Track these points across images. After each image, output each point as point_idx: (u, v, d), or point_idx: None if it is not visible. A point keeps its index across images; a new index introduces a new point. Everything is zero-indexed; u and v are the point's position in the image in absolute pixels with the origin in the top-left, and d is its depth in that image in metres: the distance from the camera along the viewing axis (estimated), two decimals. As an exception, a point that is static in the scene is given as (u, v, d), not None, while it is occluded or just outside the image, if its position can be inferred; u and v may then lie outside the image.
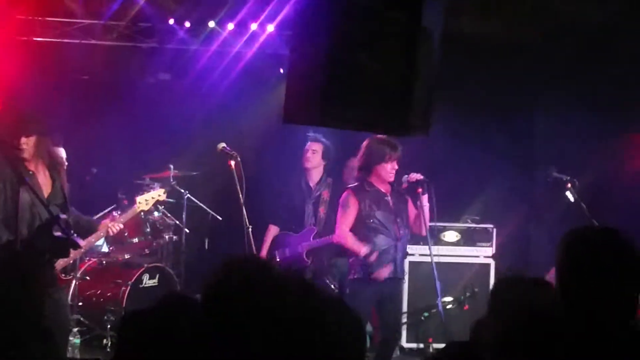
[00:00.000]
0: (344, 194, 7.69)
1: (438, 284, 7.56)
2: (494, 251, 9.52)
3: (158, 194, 8.02)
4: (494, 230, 9.53)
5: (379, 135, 7.48)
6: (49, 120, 6.76)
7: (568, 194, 8.55)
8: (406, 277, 8.59)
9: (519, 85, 10.17)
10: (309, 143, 8.98)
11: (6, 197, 5.92)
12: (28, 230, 6.15)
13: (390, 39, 3.52)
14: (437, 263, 8.26)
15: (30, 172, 6.44)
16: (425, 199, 7.64)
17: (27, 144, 6.45)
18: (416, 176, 7.63)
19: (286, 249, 8.74)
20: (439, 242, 9.13)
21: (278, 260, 8.66)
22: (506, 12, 9.04)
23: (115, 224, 7.24)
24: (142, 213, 8.54)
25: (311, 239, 8.63)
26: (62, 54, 10.58)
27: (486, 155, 10.29)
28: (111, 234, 7.28)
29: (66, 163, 8.71)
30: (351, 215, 7.57)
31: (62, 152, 8.69)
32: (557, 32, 9.36)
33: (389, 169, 7.52)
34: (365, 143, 7.62)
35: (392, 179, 7.60)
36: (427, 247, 8.00)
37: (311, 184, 9.02)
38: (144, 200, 7.79)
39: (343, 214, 7.63)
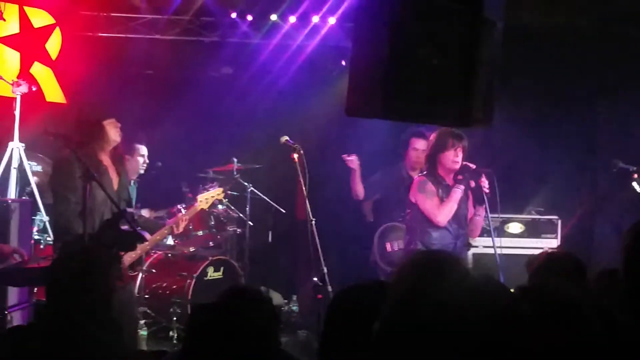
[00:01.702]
0: (419, 180, 7.56)
1: (502, 274, 7.49)
2: (559, 243, 9.41)
3: (217, 192, 8.13)
4: (559, 221, 9.42)
5: (444, 127, 7.43)
6: (123, 115, 6.85)
7: (634, 184, 8.44)
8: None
9: (582, 74, 10.03)
10: (415, 140, 8.92)
11: (83, 191, 6.01)
12: (100, 224, 6.26)
13: (452, 31, 3.51)
14: (501, 255, 8.22)
15: (104, 167, 6.56)
16: (486, 188, 7.52)
17: (118, 129, 6.61)
18: (474, 167, 7.54)
19: (395, 242, 8.63)
20: (502, 234, 9.06)
21: (390, 251, 8.59)
22: (566, 0, 8.94)
23: (179, 222, 7.32)
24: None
25: None
26: (126, 49, 10.70)
27: (550, 146, 10.19)
28: (176, 232, 7.36)
29: (147, 160, 8.89)
30: (436, 200, 7.49)
31: (143, 150, 8.85)
32: (619, 19, 9.22)
33: (452, 157, 7.42)
34: (431, 137, 7.60)
35: (456, 168, 7.48)
36: (490, 238, 7.93)
37: (412, 174, 8.90)
38: (204, 199, 7.89)
39: (429, 199, 7.41)
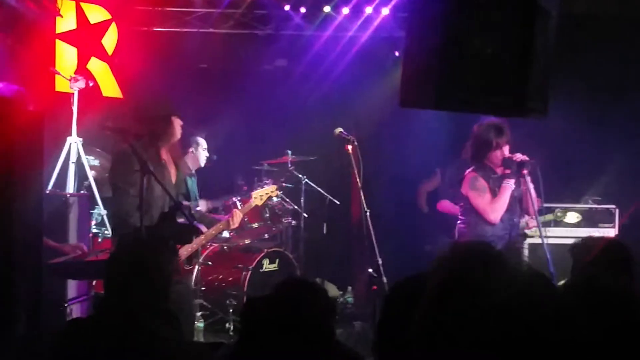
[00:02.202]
0: (470, 176, 7.54)
1: (551, 267, 7.41)
2: (616, 232, 9.30)
3: (271, 189, 8.23)
4: (617, 210, 9.31)
5: (487, 121, 7.41)
6: (179, 109, 6.92)
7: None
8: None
9: (636, 62, 9.90)
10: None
11: (141, 184, 6.09)
12: (157, 217, 6.33)
13: (507, 20, 3.49)
14: (557, 245, 8.14)
15: (162, 161, 6.63)
16: (529, 180, 7.49)
17: (171, 134, 6.68)
18: (521, 157, 7.50)
19: None
20: (559, 223, 8.97)
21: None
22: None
23: (235, 216, 7.37)
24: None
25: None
26: (181, 43, 10.78)
27: (605, 134, 10.07)
28: (232, 225, 7.41)
29: (208, 154, 8.99)
30: (488, 197, 7.46)
31: (204, 143, 8.96)
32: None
33: (499, 156, 7.43)
34: (473, 132, 7.55)
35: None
36: (548, 228, 7.89)
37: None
38: (259, 196, 7.97)
39: (481, 196, 7.42)
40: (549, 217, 8.86)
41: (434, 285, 2.06)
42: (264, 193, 8.10)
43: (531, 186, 7.50)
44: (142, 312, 3.92)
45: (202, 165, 9.12)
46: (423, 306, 2.05)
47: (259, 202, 8.07)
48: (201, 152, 9.09)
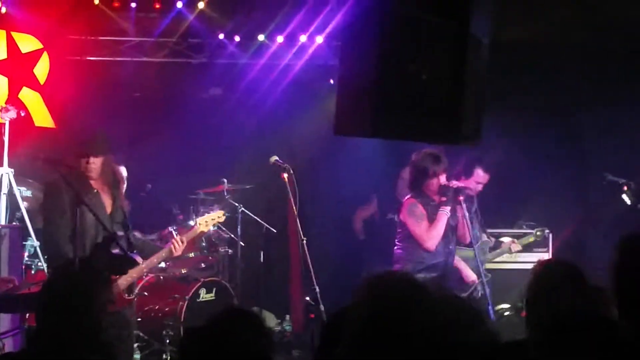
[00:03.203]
0: (409, 202, 7.59)
1: (488, 288, 7.48)
2: (550, 256, 9.40)
3: (217, 215, 8.14)
4: (550, 235, 9.42)
5: (425, 150, 7.48)
6: (112, 138, 6.87)
7: (624, 197, 8.46)
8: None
9: (571, 87, 10.07)
10: (482, 173, 8.37)
11: (73, 214, 6.01)
12: (91, 248, 6.25)
13: (440, 49, 3.52)
14: (493, 270, 8.26)
15: (95, 191, 6.56)
16: (465, 207, 7.57)
17: (96, 163, 6.58)
18: (457, 184, 7.60)
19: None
20: (494, 248, 9.05)
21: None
22: (551, 15, 8.96)
23: (177, 243, 7.29)
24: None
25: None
26: (114, 72, 10.70)
27: (540, 160, 10.20)
28: (175, 254, 7.33)
29: (125, 182, 8.86)
30: (425, 224, 7.51)
31: (123, 171, 8.83)
32: (604, 31, 9.25)
33: (436, 184, 7.51)
34: (411, 160, 7.62)
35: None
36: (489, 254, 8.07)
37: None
38: (204, 222, 7.90)
39: (419, 223, 7.49)
40: (530, 238, 8.95)
41: (355, 318, 2.07)
42: (210, 219, 8.02)
43: (467, 213, 7.57)
44: (74, 344, 3.85)
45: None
46: (346, 339, 2.06)
47: (205, 229, 8.01)
48: None
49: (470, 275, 7.81)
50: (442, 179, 7.52)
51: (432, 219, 7.49)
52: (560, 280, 4.03)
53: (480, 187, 8.33)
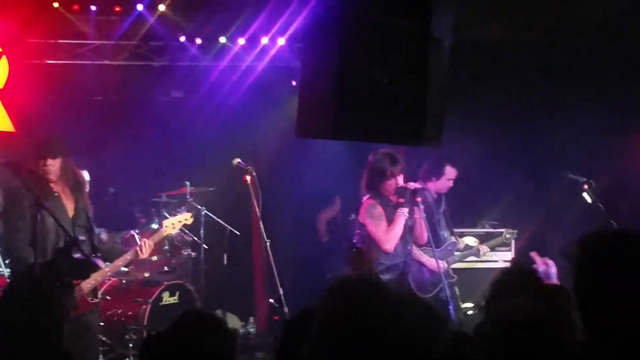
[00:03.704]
0: (368, 203, 7.59)
1: (447, 288, 7.53)
2: (513, 255, 9.47)
3: (185, 217, 8.11)
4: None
5: (381, 150, 7.50)
6: (73, 142, 6.83)
7: (585, 195, 8.52)
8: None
9: (532, 88, 10.14)
10: (451, 169, 8.49)
11: (32, 218, 5.97)
12: (52, 253, 6.20)
13: (401, 51, 3.53)
14: (456, 269, 8.31)
15: (56, 194, 6.52)
16: (423, 208, 7.61)
17: (54, 165, 6.54)
18: (414, 185, 7.62)
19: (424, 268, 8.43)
20: (457, 248, 9.09)
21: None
22: (512, 16, 9.02)
23: (144, 246, 7.27)
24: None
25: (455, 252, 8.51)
26: (75, 75, 10.62)
27: (502, 160, 10.25)
28: (141, 257, 7.30)
29: (88, 187, 8.78)
30: (384, 225, 7.53)
31: (86, 175, 8.75)
32: (566, 31, 9.32)
33: (392, 184, 7.53)
34: (368, 161, 7.63)
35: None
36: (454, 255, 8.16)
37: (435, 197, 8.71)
38: (171, 224, 7.86)
39: (377, 224, 7.50)
40: (499, 240, 9.00)
41: (321, 319, 2.07)
42: (177, 221, 7.98)
43: (424, 214, 7.61)
44: (35, 351, 3.82)
45: None
46: (311, 340, 2.06)
47: (172, 231, 7.97)
48: None
49: (437, 264, 7.76)
50: (400, 180, 7.54)
51: (390, 220, 7.51)
52: (517, 282, 4.07)
53: (451, 184, 8.41)
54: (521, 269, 4.13)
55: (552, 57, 9.81)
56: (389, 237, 7.48)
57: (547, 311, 3.10)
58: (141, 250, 7.21)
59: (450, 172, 8.40)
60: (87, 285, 6.63)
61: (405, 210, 7.51)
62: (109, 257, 6.97)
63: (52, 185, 6.58)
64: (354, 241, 7.78)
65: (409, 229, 7.65)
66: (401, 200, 7.52)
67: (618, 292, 2.99)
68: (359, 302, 2.07)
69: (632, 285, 2.99)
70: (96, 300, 7.02)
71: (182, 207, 9.35)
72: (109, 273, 7.18)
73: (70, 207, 6.66)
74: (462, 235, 9.27)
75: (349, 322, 2.00)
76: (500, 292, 3.83)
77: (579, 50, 9.59)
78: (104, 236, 9.03)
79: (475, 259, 8.93)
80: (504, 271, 4.26)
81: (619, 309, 2.97)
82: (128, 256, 7.19)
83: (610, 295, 3.00)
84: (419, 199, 7.54)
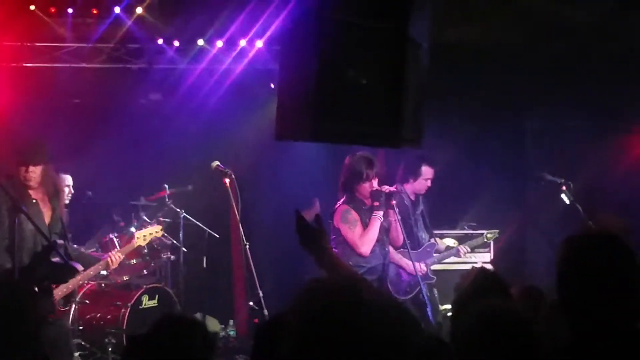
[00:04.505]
0: (342, 209, 7.62)
1: (424, 289, 7.56)
2: (492, 257, 9.50)
3: (155, 230, 8.16)
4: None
5: (358, 153, 7.52)
6: (50, 145, 6.81)
7: (563, 196, 8.57)
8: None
9: (509, 90, 10.18)
10: (427, 168, 8.61)
11: (9, 224, 5.94)
12: (30, 257, 6.17)
13: (379, 52, 3.53)
14: (436, 271, 8.34)
15: (34, 201, 6.49)
16: (398, 211, 7.64)
17: (35, 172, 6.52)
18: (389, 188, 7.65)
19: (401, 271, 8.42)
20: (436, 250, 9.11)
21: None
22: (490, 17, 9.05)
23: (115, 256, 7.29)
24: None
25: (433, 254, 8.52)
26: (52, 78, 10.55)
27: (481, 161, 10.29)
28: (112, 266, 7.32)
29: (72, 190, 8.74)
30: (359, 229, 7.55)
31: (68, 179, 8.71)
32: (544, 35, 9.37)
33: (367, 187, 7.55)
34: (345, 162, 7.64)
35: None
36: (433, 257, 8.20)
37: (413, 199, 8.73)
38: (142, 236, 7.90)
39: (352, 229, 7.54)
40: (479, 240, 9.03)
41: (292, 324, 2.07)
42: (148, 233, 8.03)
43: (399, 217, 7.63)
44: (12, 356, 3.80)
45: (66, 202, 8.81)
46: (284, 345, 2.06)
47: (142, 243, 8.00)
48: (64, 190, 8.80)
49: (417, 267, 7.78)
50: (374, 183, 7.56)
51: (365, 224, 7.54)
52: (483, 284, 4.09)
53: (429, 183, 8.44)
54: (484, 272, 4.15)
55: (531, 58, 9.85)
56: (364, 240, 7.50)
57: (523, 311, 3.12)
58: (112, 261, 7.26)
59: (427, 171, 8.45)
60: (59, 292, 6.60)
61: (380, 213, 7.54)
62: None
63: (30, 192, 6.56)
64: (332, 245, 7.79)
65: (385, 231, 7.68)
66: (376, 203, 7.54)
67: (602, 292, 3.00)
68: (330, 306, 2.07)
69: (616, 286, 3.01)
70: (66, 308, 7.00)
71: (154, 220, 9.37)
72: (80, 281, 7.18)
73: (47, 215, 6.64)
74: (442, 237, 9.29)
75: (320, 326, 1.99)
76: (467, 296, 3.84)
77: (558, 51, 9.63)
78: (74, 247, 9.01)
79: (455, 260, 8.96)
80: (465, 275, 4.28)
81: (603, 310, 2.99)
82: (99, 266, 7.25)
83: (595, 296, 3.01)
84: (393, 202, 7.57)
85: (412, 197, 8.60)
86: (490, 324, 2.98)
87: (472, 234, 9.44)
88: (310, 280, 2.30)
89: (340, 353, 1.95)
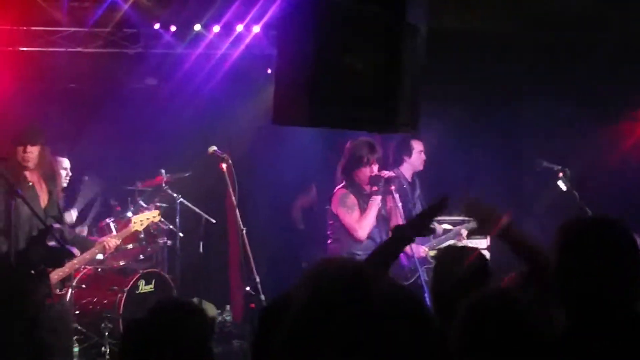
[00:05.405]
0: (340, 193, 7.63)
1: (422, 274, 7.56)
2: (488, 243, 9.50)
3: (153, 215, 8.16)
4: (487, 222, 9.48)
5: (360, 138, 7.53)
6: (47, 130, 6.81)
7: (560, 183, 8.57)
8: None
9: (504, 77, 10.17)
10: (416, 142, 8.63)
11: (6, 207, 5.94)
12: (26, 241, 6.17)
13: (376, 37, 3.53)
14: (433, 257, 8.32)
15: (30, 184, 6.49)
16: (398, 196, 7.65)
17: (32, 152, 6.53)
18: (388, 173, 7.66)
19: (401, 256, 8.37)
20: (435, 235, 9.11)
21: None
22: (487, 5, 9.05)
23: (111, 241, 7.30)
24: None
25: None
26: (48, 63, 10.53)
27: (476, 148, 10.30)
28: (108, 251, 7.33)
29: (70, 173, 8.73)
30: (357, 214, 7.56)
31: (66, 162, 8.70)
32: (538, 23, 9.37)
33: (367, 172, 7.56)
34: (347, 146, 7.65)
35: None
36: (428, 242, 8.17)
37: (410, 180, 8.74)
38: (139, 221, 7.91)
39: (350, 213, 7.56)
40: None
41: (298, 304, 2.06)
42: (145, 218, 8.02)
43: (399, 203, 7.64)
44: (11, 340, 3.81)
45: (64, 185, 8.78)
46: (288, 325, 2.05)
47: (139, 228, 8.01)
48: (61, 173, 8.78)
49: (412, 250, 7.77)
50: (374, 168, 7.57)
51: (363, 209, 7.55)
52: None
53: (423, 156, 8.46)
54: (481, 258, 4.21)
55: (525, 46, 9.85)
56: (362, 224, 7.51)
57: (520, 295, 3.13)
58: (108, 245, 7.27)
59: (417, 145, 8.49)
60: (55, 276, 6.61)
61: (379, 198, 7.55)
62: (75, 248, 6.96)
63: (27, 174, 6.55)
64: (328, 233, 7.81)
65: (384, 218, 7.69)
66: (375, 188, 7.55)
67: (600, 276, 3.01)
68: (338, 287, 2.06)
69: (614, 270, 3.02)
70: (62, 292, 7.00)
71: (151, 204, 9.36)
72: (76, 265, 7.19)
73: (43, 198, 6.64)
74: (440, 222, 9.29)
75: (326, 308, 1.99)
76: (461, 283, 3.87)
77: (551, 39, 9.64)
78: (74, 214, 9.01)
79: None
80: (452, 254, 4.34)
81: (603, 294, 3.00)
82: (96, 250, 7.25)
83: (593, 279, 3.02)
84: (392, 188, 7.57)
85: (410, 179, 8.61)
86: (485, 314, 2.98)
87: (468, 220, 9.43)
88: (314, 262, 2.30)
89: (343, 333, 1.94)
